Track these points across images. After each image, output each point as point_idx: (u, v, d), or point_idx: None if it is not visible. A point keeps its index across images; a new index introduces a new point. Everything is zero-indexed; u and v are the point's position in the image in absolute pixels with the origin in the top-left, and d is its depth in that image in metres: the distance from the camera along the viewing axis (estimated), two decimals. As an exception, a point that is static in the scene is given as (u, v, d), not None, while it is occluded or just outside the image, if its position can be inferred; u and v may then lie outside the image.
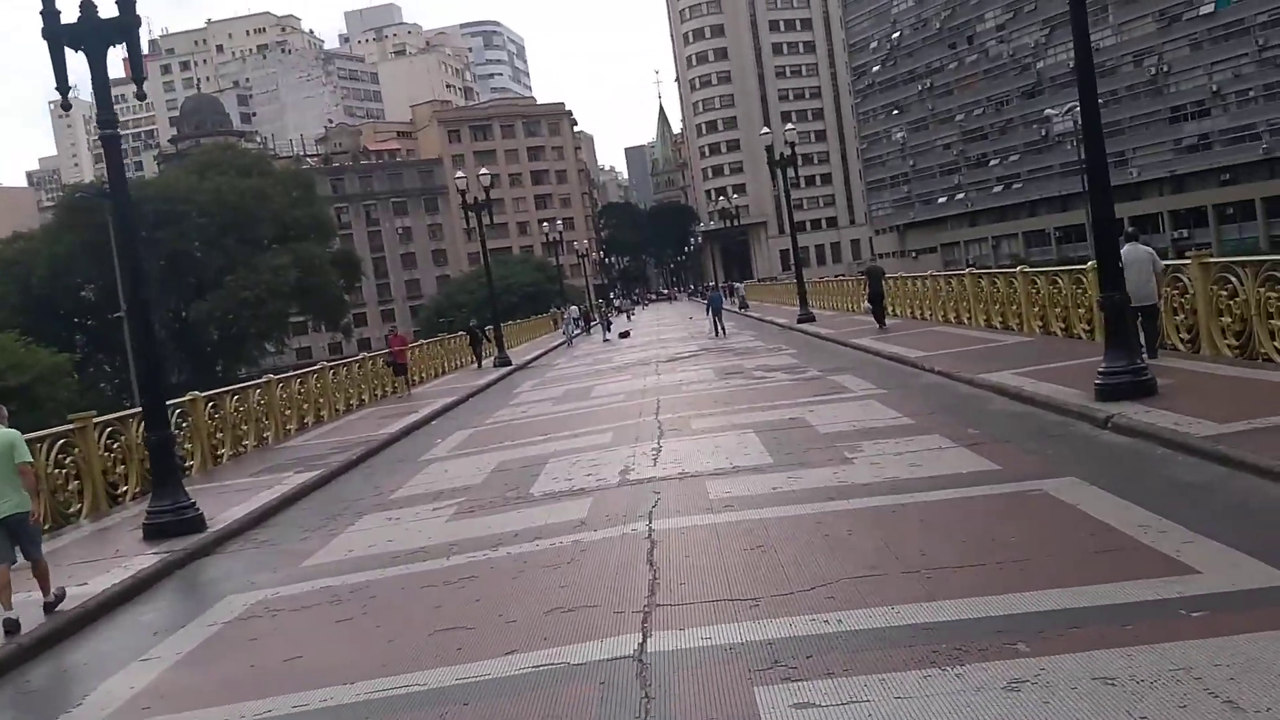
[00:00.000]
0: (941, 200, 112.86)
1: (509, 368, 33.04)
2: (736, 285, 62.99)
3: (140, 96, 11.41)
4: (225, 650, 7.00)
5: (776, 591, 6.21)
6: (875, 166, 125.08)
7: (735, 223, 71.96)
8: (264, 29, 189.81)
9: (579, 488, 10.64)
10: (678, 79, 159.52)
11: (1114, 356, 11.00)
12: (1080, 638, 4.91)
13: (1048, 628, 5.09)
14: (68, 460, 12.97)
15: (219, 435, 17.39)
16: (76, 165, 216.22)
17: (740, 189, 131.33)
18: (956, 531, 7.23)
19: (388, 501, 11.80)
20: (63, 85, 11.31)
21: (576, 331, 56.61)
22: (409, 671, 5.79)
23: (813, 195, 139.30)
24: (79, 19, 10.74)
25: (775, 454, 10.91)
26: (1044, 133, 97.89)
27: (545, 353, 41.33)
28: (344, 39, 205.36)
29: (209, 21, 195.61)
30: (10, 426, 8.13)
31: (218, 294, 68.64)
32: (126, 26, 10.84)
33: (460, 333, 38.72)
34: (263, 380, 19.90)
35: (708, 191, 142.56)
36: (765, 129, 37.73)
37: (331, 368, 23.79)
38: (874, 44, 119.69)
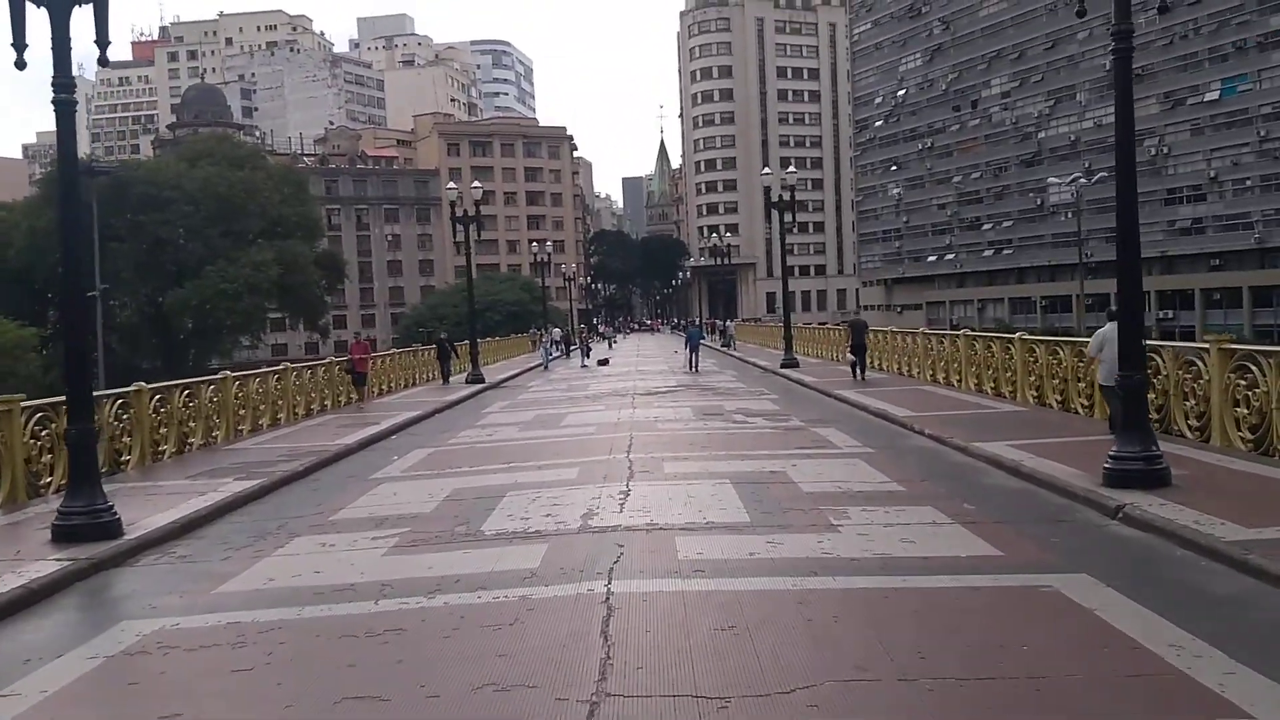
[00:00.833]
0: (931, 258, 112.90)
1: (481, 385, 32.01)
2: (726, 323, 61.73)
3: (103, 63, 10.30)
4: (97, 694, 6.01)
5: (750, 691, 5.26)
6: (869, 219, 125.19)
7: (725, 261, 71.33)
8: (275, 26, 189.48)
9: (535, 530, 9.67)
10: (681, 115, 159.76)
11: (1127, 440, 10.15)
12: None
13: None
14: (-12, 444, 11.92)
15: (163, 431, 16.31)
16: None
17: (733, 229, 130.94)
18: (959, 631, 6.30)
19: (327, 523, 10.79)
20: (19, 42, 10.34)
21: (555, 355, 55.57)
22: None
23: (804, 241, 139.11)
24: (43, -28, 9.77)
25: (753, 511, 9.98)
26: (1039, 202, 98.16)
27: (521, 373, 40.30)
28: (354, 44, 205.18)
29: (221, 14, 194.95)
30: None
31: (196, 283, 67.31)
32: (92, -16, 9.86)
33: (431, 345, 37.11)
34: (218, 376, 18.81)
35: (700, 228, 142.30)
36: (766, 169, 37.06)
37: (295, 370, 22.69)
38: (879, 99, 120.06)
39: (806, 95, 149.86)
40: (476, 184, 36.16)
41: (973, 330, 23.49)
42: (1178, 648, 5.68)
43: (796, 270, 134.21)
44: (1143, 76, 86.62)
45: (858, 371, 26.01)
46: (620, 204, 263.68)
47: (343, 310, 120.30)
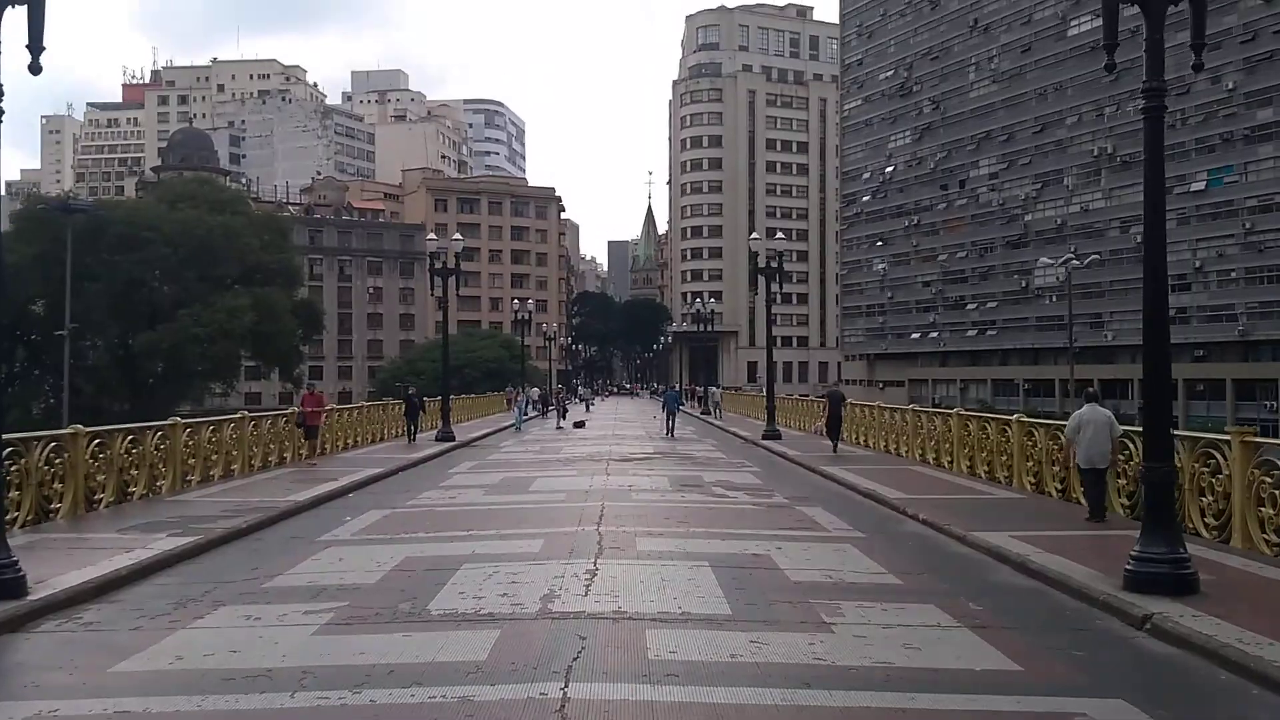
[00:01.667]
0: (915, 336, 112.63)
1: (451, 443, 30.81)
2: (712, 389, 59.79)
3: (34, 70, 9.26)
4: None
5: None
6: (853, 293, 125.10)
7: (708, 328, 70.42)
8: (268, 75, 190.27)
9: (488, 612, 8.55)
10: (670, 181, 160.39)
11: (1151, 540, 9.16)
12: None
13: None
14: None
15: (100, 478, 15.12)
16: (59, 181, 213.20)
17: (716, 296, 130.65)
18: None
19: (259, 591, 9.64)
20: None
21: (531, 414, 54.21)
22: None
23: (787, 312, 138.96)
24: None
25: (735, 601, 8.91)
26: (1024, 284, 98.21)
27: (494, 432, 39.06)
28: (347, 97, 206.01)
29: (214, 60, 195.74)
30: None
31: (169, 326, 65.96)
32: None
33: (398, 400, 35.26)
34: (166, 423, 17.64)
35: (684, 294, 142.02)
36: (755, 235, 36.35)
37: (252, 419, 21.51)
38: (867, 175, 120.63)
39: (795, 168, 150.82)
40: (458, 236, 35.33)
41: (960, 409, 22.63)
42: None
43: (779, 341, 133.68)
44: (1130, 164, 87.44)
45: (834, 442, 26.02)
46: (605, 267, 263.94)
47: (320, 361, 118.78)
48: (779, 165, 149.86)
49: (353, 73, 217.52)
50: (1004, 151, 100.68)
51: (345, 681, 6.59)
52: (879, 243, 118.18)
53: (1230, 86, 73.73)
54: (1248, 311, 77.36)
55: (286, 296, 76.33)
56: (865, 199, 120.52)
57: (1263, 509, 11.08)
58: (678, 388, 77.57)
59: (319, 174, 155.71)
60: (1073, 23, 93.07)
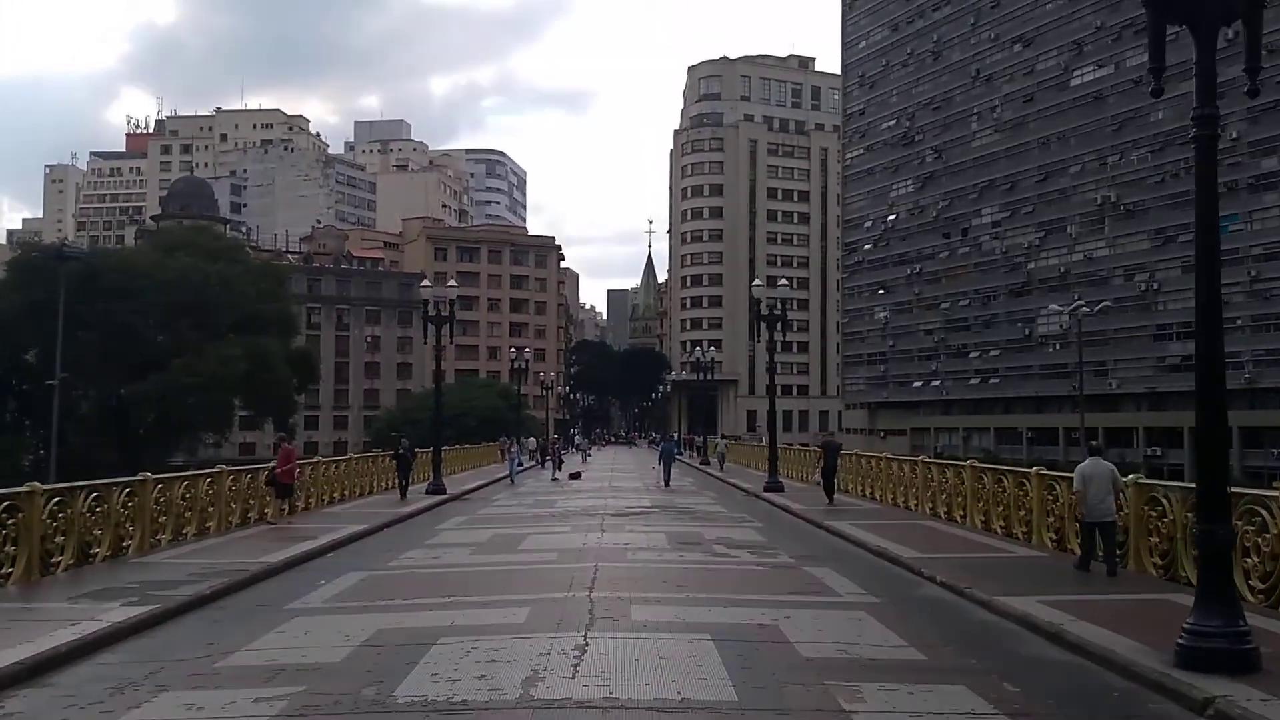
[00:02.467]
0: (917, 384, 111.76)
1: (442, 496, 29.79)
2: (717, 440, 57.60)
3: None
4: None
5: None
6: (854, 342, 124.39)
7: (707, 376, 69.54)
8: (271, 125, 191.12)
9: (461, 700, 7.54)
10: (670, 230, 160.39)
11: (1208, 611, 8.18)
12: None
13: None
14: None
15: (59, 539, 14.12)
16: (60, 230, 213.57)
17: (716, 344, 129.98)
18: None
19: (209, 672, 8.63)
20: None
21: (528, 464, 52.94)
22: None
23: (788, 361, 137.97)
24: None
25: (741, 684, 7.91)
26: (1027, 332, 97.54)
27: (488, 484, 38.00)
28: (349, 146, 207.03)
29: (218, 110, 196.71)
30: None
31: (161, 376, 65.00)
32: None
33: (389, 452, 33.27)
34: (135, 479, 16.65)
35: (683, 343, 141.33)
36: (757, 281, 35.58)
37: (230, 474, 20.50)
38: (869, 223, 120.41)
39: (796, 216, 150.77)
40: (453, 283, 34.59)
41: (973, 461, 21.65)
42: None
43: (780, 389, 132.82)
44: (1134, 212, 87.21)
45: (829, 493, 25.81)
46: (605, 315, 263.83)
47: (316, 410, 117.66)
48: (780, 214, 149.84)
49: (355, 123, 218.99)
50: (1007, 200, 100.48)
51: (285, 793, 5.60)
52: (881, 291, 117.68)
53: (1234, 136, 73.40)
54: (1254, 359, 76.57)
55: (282, 345, 75.48)
56: (867, 247, 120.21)
57: (1319, 574, 10.11)
58: (676, 437, 76.52)
59: (319, 223, 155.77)
60: (1075, 73, 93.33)
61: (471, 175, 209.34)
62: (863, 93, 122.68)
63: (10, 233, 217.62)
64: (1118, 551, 13.43)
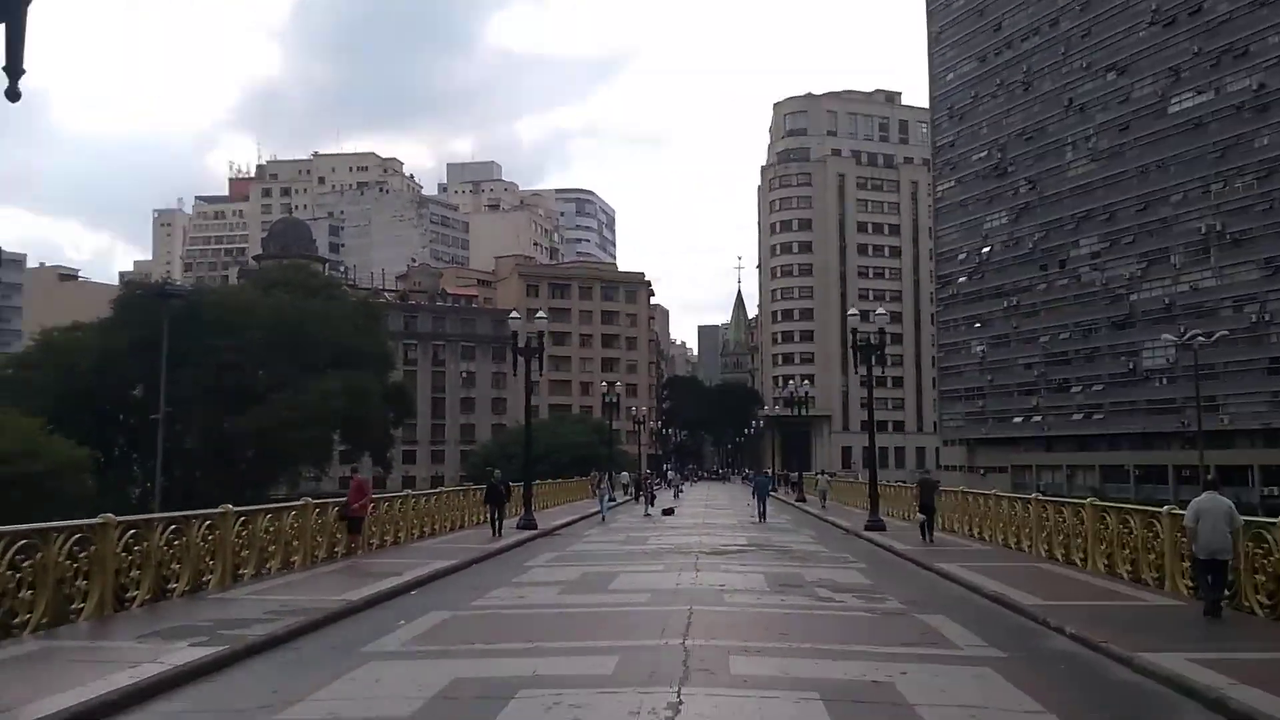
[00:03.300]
0: (1017, 420, 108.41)
1: (533, 532, 29.12)
2: (820, 475, 54.47)
3: (12, 96, 7.44)
4: None
5: None
6: (951, 377, 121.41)
7: (801, 412, 68.11)
8: (366, 167, 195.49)
9: (540, 769, 6.69)
10: (760, 265, 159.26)
11: None
12: None
13: None
14: None
15: (135, 574, 13.70)
16: (168, 271, 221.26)
17: (809, 379, 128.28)
18: None
19: (270, 723, 7.93)
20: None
21: (622, 500, 52.03)
22: None
23: (882, 396, 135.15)
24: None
25: (858, 754, 6.91)
26: (1131, 366, 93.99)
27: (579, 519, 37.20)
28: (442, 188, 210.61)
29: (315, 154, 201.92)
30: None
31: (260, 410, 66.00)
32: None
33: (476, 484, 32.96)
34: (216, 511, 16.24)
35: (775, 378, 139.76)
36: (853, 310, 34.40)
37: (317, 506, 20.05)
38: (962, 256, 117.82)
39: (887, 250, 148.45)
40: (541, 314, 34.13)
41: (1093, 500, 20.16)
42: None
43: (875, 425, 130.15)
44: (1240, 241, 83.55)
45: (925, 532, 25.13)
46: (695, 351, 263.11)
47: (414, 445, 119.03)
48: (870, 248, 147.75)
49: (448, 165, 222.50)
50: (1105, 230, 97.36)
51: None
52: (977, 325, 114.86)
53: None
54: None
55: (378, 381, 76.22)
56: (961, 280, 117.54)
57: None
58: (770, 473, 75.09)
59: (414, 261, 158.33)
60: (1173, 100, 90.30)
61: (561, 214, 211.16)
62: (952, 125, 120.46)
63: (121, 274, 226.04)
64: (1226, 592, 13.03)
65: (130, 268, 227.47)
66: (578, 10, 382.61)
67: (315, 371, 70.46)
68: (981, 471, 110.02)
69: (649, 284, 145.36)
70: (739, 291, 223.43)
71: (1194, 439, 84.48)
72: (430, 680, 9.35)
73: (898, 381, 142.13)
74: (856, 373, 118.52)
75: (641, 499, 46.44)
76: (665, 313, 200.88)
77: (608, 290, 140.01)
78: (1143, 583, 16.14)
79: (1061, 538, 19.99)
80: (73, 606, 12.42)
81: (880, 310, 32.00)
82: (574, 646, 11.17)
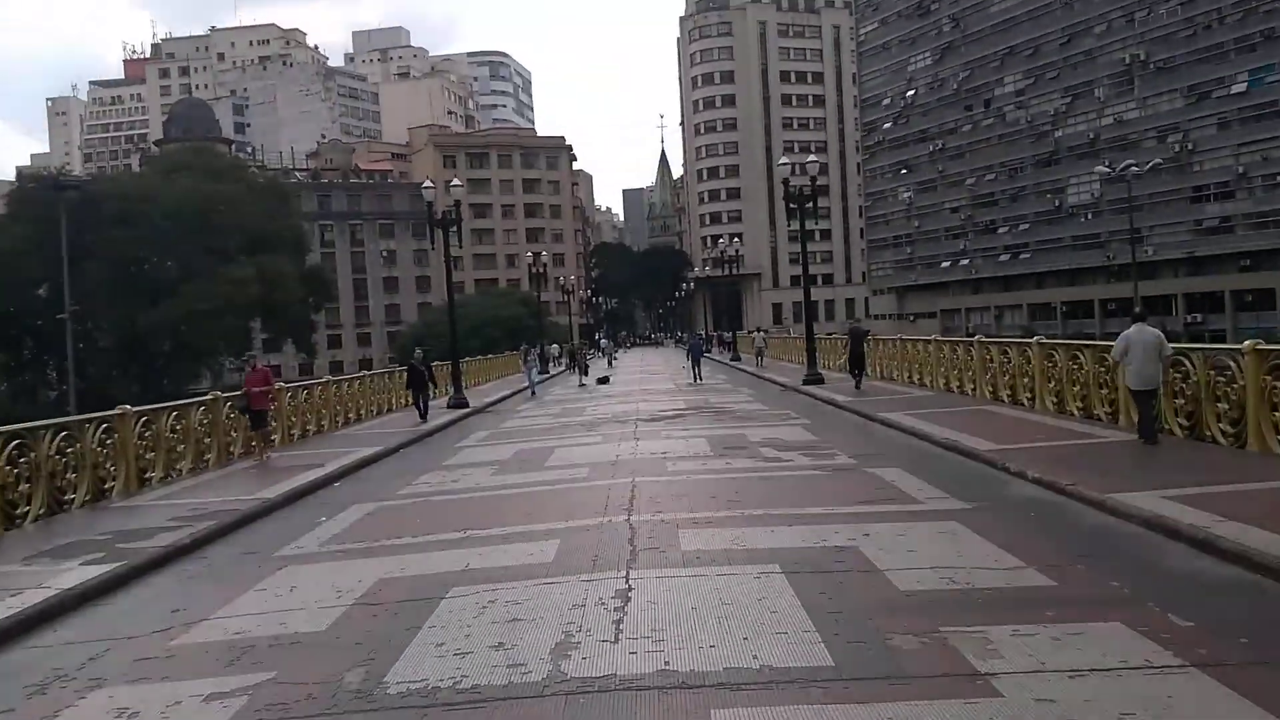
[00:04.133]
0: (945, 265, 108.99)
1: (464, 410, 28.19)
2: (756, 334, 52.51)
3: None
4: None
5: None
6: (878, 225, 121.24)
7: (732, 271, 67.28)
8: (268, 40, 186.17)
9: (471, 685, 5.78)
10: (683, 123, 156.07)
11: None
12: None
13: None
14: None
15: (24, 487, 12.48)
16: (67, 163, 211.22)
17: (737, 238, 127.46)
18: None
19: (161, 655, 6.92)
20: None
21: (554, 372, 51.25)
22: None
23: (811, 249, 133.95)
24: None
25: (832, 638, 6.13)
26: (1057, 204, 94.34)
27: (512, 394, 36.32)
28: (349, 58, 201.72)
29: (213, 29, 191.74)
30: None
31: (173, 302, 63.48)
32: None
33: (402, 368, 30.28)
34: (113, 412, 14.95)
35: (704, 238, 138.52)
36: (783, 159, 33.27)
37: (227, 399, 18.77)
38: (887, 101, 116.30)
39: (811, 99, 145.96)
40: (456, 182, 32.44)
41: (1040, 337, 19.62)
42: None
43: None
44: (1164, 69, 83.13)
45: (857, 380, 25.63)
46: (621, 217, 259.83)
47: (338, 329, 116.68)
48: (794, 98, 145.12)
49: (353, 33, 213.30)
50: (1030, 66, 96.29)
51: None
52: (903, 171, 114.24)
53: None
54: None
55: (294, 265, 73.68)
56: (886, 126, 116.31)
57: None
58: (703, 335, 74.63)
59: (324, 138, 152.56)
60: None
61: (475, 79, 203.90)
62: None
63: (18, 169, 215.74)
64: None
65: (28, 161, 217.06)
66: None
67: (227, 259, 67.72)
68: (911, 318, 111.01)
69: (570, 148, 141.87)
70: (663, 152, 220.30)
71: (1119, 273, 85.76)
72: (350, 585, 8.41)
73: (825, 235, 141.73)
74: (789, 225, 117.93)
75: (575, 369, 45.52)
76: (589, 178, 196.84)
77: (528, 157, 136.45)
78: (1095, 419, 15.71)
79: (1007, 378, 19.52)
80: (-48, 529, 11.27)
81: (813, 158, 30.78)
82: (510, 533, 10.27)
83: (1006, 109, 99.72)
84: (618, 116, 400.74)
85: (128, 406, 15.26)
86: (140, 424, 15.41)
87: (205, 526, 11.49)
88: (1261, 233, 76.52)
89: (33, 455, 12.66)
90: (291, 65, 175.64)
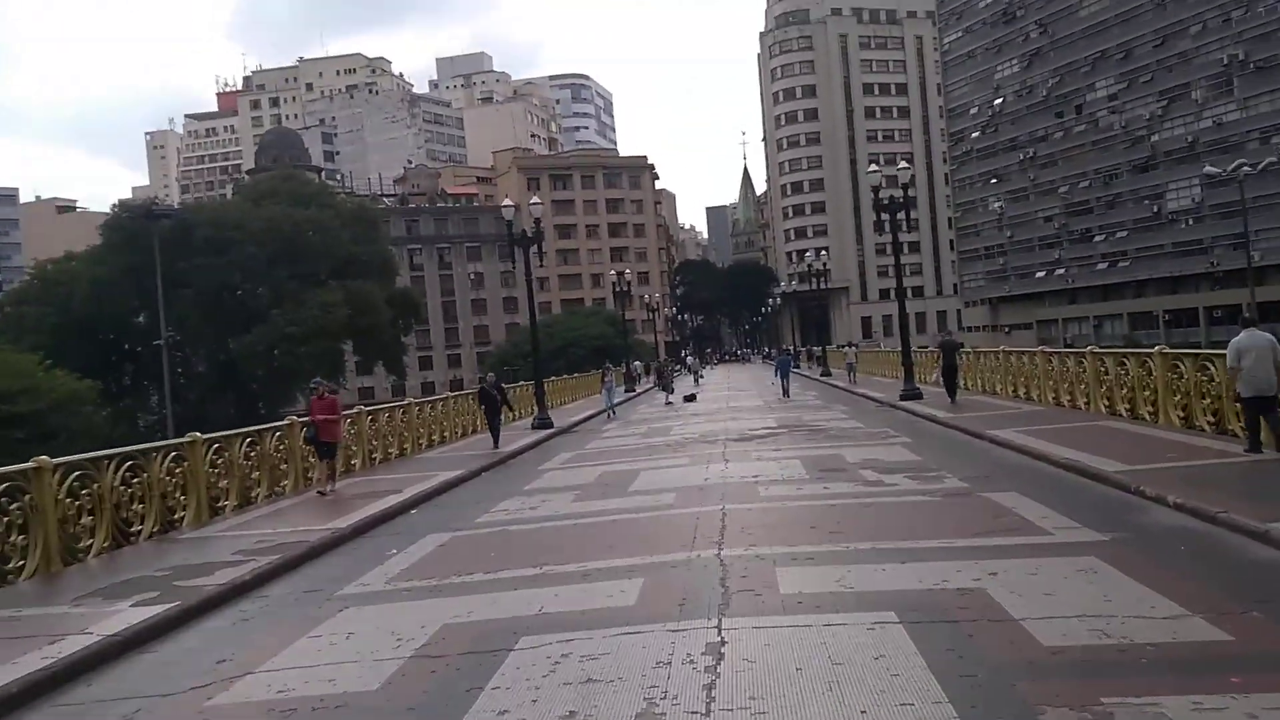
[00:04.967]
0: (1040, 275, 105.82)
1: (548, 430, 27.50)
2: (846, 348, 51.19)
3: None
4: None
5: None
6: (969, 236, 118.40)
7: (820, 285, 65.88)
8: (354, 70, 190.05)
9: (538, 769, 4.89)
10: (765, 139, 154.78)
11: None
12: None
13: None
14: None
15: (87, 520, 11.97)
16: (166, 194, 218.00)
17: (824, 251, 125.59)
18: None
19: (197, 714, 6.19)
20: None
21: (630, 394, 49.59)
22: None
23: (901, 261, 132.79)
24: None
25: (966, 708, 5.09)
26: (1155, 209, 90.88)
27: (597, 414, 35.52)
28: (433, 84, 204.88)
29: (300, 60, 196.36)
30: None
31: (263, 328, 64.29)
32: None
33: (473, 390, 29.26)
34: (184, 440, 14.47)
35: (789, 253, 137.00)
36: (874, 167, 31.99)
37: (303, 423, 18.23)
38: (974, 110, 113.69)
39: (895, 111, 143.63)
40: (535, 200, 31.88)
41: (1162, 347, 18.16)
42: None
43: (891, 293, 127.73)
44: (1265, 68, 79.60)
45: (950, 393, 25.21)
46: (705, 234, 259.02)
47: (429, 351, 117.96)
48: (878, 110, 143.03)
49: (437, 60, 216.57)
50: (1122, 70, 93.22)
51: None
52: (993, 180, 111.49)
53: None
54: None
55: (382, 288, 74.16)
56: (974, 135, 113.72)
57: None
58: (790, 350, 73.30)
59: (410, 163, 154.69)
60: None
61: (557, 102, 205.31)
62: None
63: (121, 201, 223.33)
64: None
65: (129, 194, 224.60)
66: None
67: (317, 284, 68.41)
68: (1006, 330, 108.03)
69: (652, 167, 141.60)
70: (745, 168, 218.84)
71: (1223, 279, 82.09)
72: (412, 631, 7.58)
73: (914, 247, 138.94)
74: (877, 237, 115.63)
75: (661, 387, 44.47)
76: (672, 197, 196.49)
77: (610, 177, 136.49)
78: (1226, 434, 14.28)
79: (1125, 391, 18.07)
80: (9, 565, 10.75)
81: (904, 165, 29.58)
82: (589, 569, 9.35)
83: (1099, 114, 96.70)
84: (700, 135, 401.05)
85: (198, 434, 14.74)
86: (212, 451, 14.90)
87: (269, 561, 10.81)
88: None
89: (96, 486, 12.16)
90: (377, 93, 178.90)
